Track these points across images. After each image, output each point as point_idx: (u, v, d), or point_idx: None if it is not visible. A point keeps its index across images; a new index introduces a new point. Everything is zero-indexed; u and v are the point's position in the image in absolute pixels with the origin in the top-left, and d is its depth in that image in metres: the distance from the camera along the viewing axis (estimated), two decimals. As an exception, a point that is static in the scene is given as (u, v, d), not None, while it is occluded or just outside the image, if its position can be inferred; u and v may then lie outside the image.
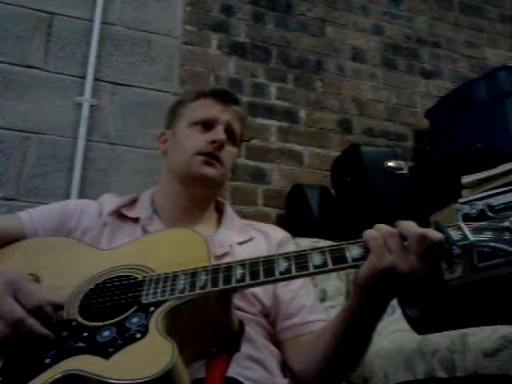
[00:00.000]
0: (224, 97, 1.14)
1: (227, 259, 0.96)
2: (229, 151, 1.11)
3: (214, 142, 1.07)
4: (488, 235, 0.72)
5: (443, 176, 1.95)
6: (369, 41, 2.65)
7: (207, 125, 1.10)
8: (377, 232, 0.74)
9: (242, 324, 0.80)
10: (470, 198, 1.60)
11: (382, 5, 2.76)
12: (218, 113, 1.11)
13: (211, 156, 1.06)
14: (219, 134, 1.08)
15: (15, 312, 0.72)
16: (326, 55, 2.52)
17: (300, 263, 0.74)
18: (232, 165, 1.14)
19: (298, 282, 1.04)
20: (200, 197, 1.11)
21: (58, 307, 0.77)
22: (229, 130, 1.11)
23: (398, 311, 1.40)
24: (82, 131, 1.92)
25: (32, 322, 0.72)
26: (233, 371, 0.79)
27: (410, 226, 0.73)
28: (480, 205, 1.51)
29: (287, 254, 0.76)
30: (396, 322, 1.36)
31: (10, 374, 0.68)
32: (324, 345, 0.88)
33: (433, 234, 0.72)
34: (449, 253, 0.71)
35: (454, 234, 0.73)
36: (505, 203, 1.50)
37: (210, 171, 1.06)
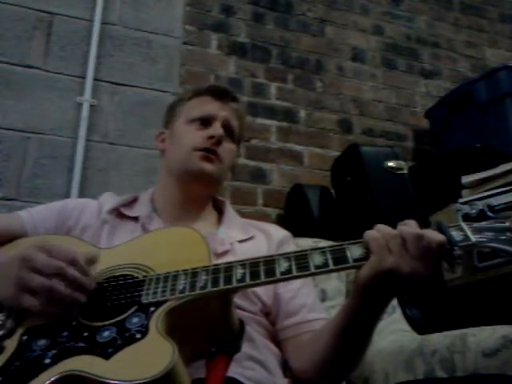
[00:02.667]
0: (222, 94, 1.14)
1: (228, 257, 0.97)
2: (227, 147, 1.10)
3: (211, 137, 1.07)
4: (489, 235, 0.72)
5: (443, 176, 1.94)
6: (369, 41, 2.65)
7: (205, 122, 1.10)
8: (378, 233, 0.74)
9: (242, 324, 0.80)
10: (470, 198, 1.60)
11: (382, 5, 2.76)
12: (215, 110, 1.11)
13: (209, 151, 1.06)
14: (216, 129, 1.08)
15: (53, 262, 0.74)
16: (326, 55, 2.52)
17: (301, 263, 0.74)
18: (231, 162, 1.14)
19: (299, 281, 1.04)
20: (198, 194, 1.11)
21: (91, 261, 0.81)
22: (227, 127, 1.11)
23: (398, 311, 1.40)
24: (82, 131, 1.92)
25: (72, 269, 0.75)
26: (233, 371, 0.79)
27: (407, 227, 0.73)
28: (480, 205, 1.51)
29: (288, 254, 0.76)
30: (396, 322, 1.35)
31: (10, 374, 0.68)
32: (324, 344, 0.88)
33: (431, 234, 0.72)
34: (450, 253, 0.71)
35: (456, 235, 0.73)
36: (505, 203, 1.50)
37: (207, 166, 1.06)
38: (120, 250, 0.91)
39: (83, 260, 0.78)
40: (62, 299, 0.73)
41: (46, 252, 0.76)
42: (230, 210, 1.16)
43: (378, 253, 0.72)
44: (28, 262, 0.74)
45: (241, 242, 1.05)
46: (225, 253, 1.00)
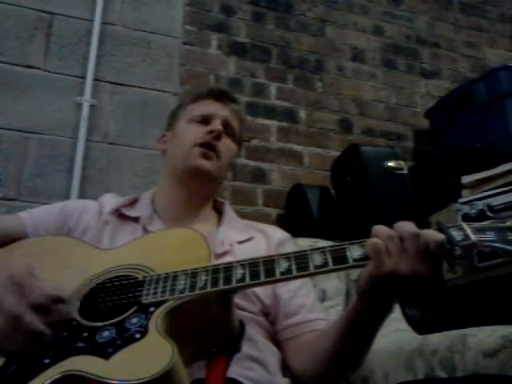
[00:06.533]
0: (221, 95, 1.17)
1: (227, 258, 0.97)
2: (227, 144, 1.12)
3: (211, 132, 1.09)
4: (490, 235, 0.72)
5: (443, 176, 1.95)
6: (369, 41, 2.65)
7: (205, 120, 1.12)
8: (377, 239, 0.73)
9: (242, 324, 0.80)
10: (470, 198, 1.60)
11: (382, 5, 2.76)
12: (215, 109, 1.14)
13: (209, 146, 1.08)
14: (216, 125, 1.10)
15: (14, 308, 0.71)
16: (326, 55, 2.52)
17: (300, 263, 0.74)
18: (230, 160, 1.15)
19: (298, 282, 1.04)
20: (198, 192, 1.12)
21: (60, 301, 0.76)
22: (226, 125, 1.13)
23: (398, 311, 1.40)
24: (82, 131, 1.92)
25: (31, 318, 0.71)
26: (232, 371, 0.79)
27: (404, 226, 0.73)
28: (480, 205, 1.51)
29: (288, 254, 0.76)
30: (396, 321, 1.35)
31: (9, 375, 0.68)
32: (326, 345, 0.88)
33: (430, 233, 0.71)
34: (450, 253, 0.71)
35: (456, 235, 0.72)
36: (505, 203, 1.50)
37: (205, 163, 1.07)
38: (121, 251, 0.91)
39: (53, 302, 0.74)
40: (17, 348, 0.71)
41: (16, 289, 0.73)
42: (229, 211, 1.17)
43: (377, 258, 0.71)
44: None
45: (240, 243, 1.06)
46: (224, 254, 1.00)
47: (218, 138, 1.09)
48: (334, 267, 0.73)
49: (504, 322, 1.02)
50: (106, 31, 2.09)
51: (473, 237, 0.72)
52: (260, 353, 0.92)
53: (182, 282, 0.75)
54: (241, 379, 0.83)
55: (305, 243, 1.48)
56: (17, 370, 0.68)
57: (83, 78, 1.99)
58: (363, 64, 2.59)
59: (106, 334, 0.70)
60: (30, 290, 0.73)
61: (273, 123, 2.29)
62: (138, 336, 0.68)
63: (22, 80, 1.92)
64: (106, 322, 0.72)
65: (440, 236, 0.71)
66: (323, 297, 1.41)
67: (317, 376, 0.91)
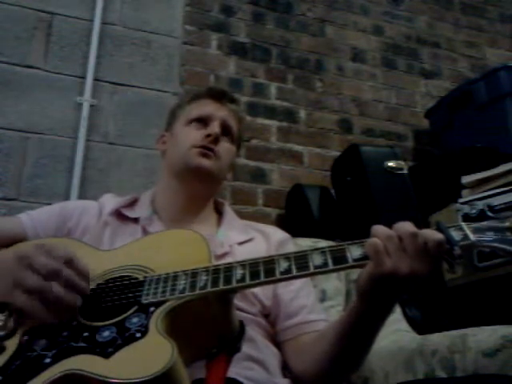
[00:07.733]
0: (219, 95, 1.17)
1: (227, 259, 0.97)
2: (225, 146, 1.12)
3: (208, 135, 1.09)
4: (489, 235, 0.72)
5: (443, 176, 1.95)
6: (369, 41, 2.65)
7: (203, 121, 1.12)
8: (376, 239, 0.73)
9: (242, 325, 0.80)
10: (470, 198, 1.60)
11: (382, 5, 2.76)
12: (213, 110, 1.14)
13: (207, 148, 1.08)
14: (213, 128, 1.10)
15: (51, 264, 0.73)
16: (326, 55, 2.52)
17: (300, 263, 0.74)
18: (229, 161, 1.15)
19: (298, 282, 1.04)
20: (198, 192, 1.12)
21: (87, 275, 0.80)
22: (225, 127, 1.13)
23: (398, 311, 1.40)
24: (82, 131, 1.92)
25: (69, 272, 0.74)
26: (233, 371, 0.80)
27: (403, 226, 0.73)
28: (480, 205, 1.51)
29: (288, 254, 0.76)
30: (396, 322, 1.35)
31: (10, 374, 0.68)
32: (326, 346, 0.88)
33: (429, 233, 0.72)
34: (450, 253, 0.71)
35: (456, 235, 0.72)
36: (505, 203, 1.50)
37: (205, 162, 1.07)
38: (121, 251, 0.91)
39: (81, 262, 0.78)
40: (57, 301, 0.72)
41: (45, 252, 0.75)
42: (229, 212, 1.17)
43: (376, 258, 0.72)
44: (26, 260, 0.74)
45: (240, 244, 1.06)
46: (224, 255, 1.00)
47: (216, 141, 1.09)
48: (334, 267, 0.73)
49: (504, 322, 1.02)
50: (105, 31, 2.09)
51: (472, 237, 0.72)
52: (260, 353, 0.92)
53: (183, 282, 0.75)
54: (241, 379, 0.83)
55: (305, 243, 1.48)
56: (19, 367, 0.69)
57: (83, 78, 1.99)
58: (363, 64, 2.59)
59: (106, 333, 0.70)
60: (59, 251, 0.76)
61: (273, 123, 2.29)
62: (138, 335, 0.68)
63: (22, 80, 1.92)
64: (107, 322, 0.72)
65: (438, 235, 0.71)
66: (323, 297, 1.41)
67: (317, 376, 0.91)
